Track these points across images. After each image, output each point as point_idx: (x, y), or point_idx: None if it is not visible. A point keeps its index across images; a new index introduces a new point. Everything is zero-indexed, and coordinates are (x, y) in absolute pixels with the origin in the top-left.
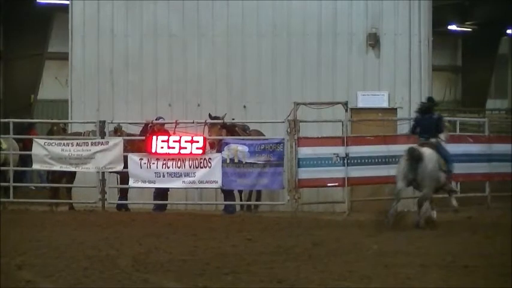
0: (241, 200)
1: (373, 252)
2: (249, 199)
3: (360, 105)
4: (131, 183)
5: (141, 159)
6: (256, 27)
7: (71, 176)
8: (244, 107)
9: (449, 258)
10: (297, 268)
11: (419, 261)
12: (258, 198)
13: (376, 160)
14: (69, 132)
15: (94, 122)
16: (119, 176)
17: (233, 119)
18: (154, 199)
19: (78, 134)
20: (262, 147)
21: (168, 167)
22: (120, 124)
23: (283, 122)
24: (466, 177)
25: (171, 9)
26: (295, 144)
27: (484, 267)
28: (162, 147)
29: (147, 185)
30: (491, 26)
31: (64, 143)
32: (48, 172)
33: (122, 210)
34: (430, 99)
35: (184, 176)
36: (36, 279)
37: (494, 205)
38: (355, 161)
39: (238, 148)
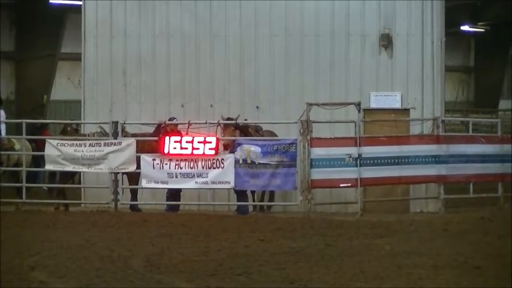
0: (253, 201)
1: (385, 253)
2: (261, 200)
3: (373, 105)
4: (144, 183)
5: (153, 159)
6: (269, 28)
7: (65, 176)
8: (257, 107)
9: (462, 258)
10: (310, 269)
11: (431, 262)
12: (271, 199)
13: (389, 161)
14: (81, 132)
15: (107, 123)
16: (126, 177)
17: (246, 120)
18: (167, 200)
19: (83, 135)
20: (275, 148)
21: (181, 168)
22: (124, 125)
23: (296, 123)
24: (478, 177)
25: (184, 9)
26: (308, 144)
27: (496, 268)
28: (174, 148)
29: (159, 185)
30: (503, 27)
31: (77, 144)
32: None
33: (135, 211)
34: None
35: (197, 176)
36: (49, 279)
37: (506, 205)
38: (368, 161)
39: (251, 149)
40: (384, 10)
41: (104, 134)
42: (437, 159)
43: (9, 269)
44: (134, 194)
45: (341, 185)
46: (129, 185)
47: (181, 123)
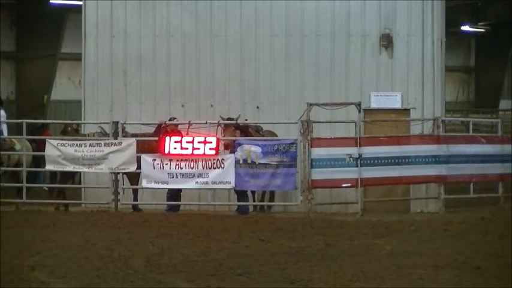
0: (254, 201)
1: (385, 253)
2: (262, 200)
3: (373, 105)
4: (144, 184)
5: (154, 159)
6: (270, 28)
7: (65, 176)
8: (258, 107)
9: (462, 259)
10: (310, 269)
11: (431, 262)
12: (271, 199)
13: (389, 161)
14: (81, 132)
15: (107, 123)
16: (127, 177)
17: (246, 120)
18: (167, 200)
19: (83, 135)
20: (275, 148)
21: (181, 168)
22: (124, 125)
23: (296, 123)
24: (479, 177)
25: (184, 9)
26: (308, 144)
27: (496, 268)
28: (175, 148)
29: (160, 185)
30: (504, 27)
31: (77, 144)
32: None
33: (136, 211)
34: None
35: (198, 176)
36: (49, 279)
37: (507, 205)
38: (368, 161)
39: (251, 149)
40: (384, 10)
41: (104, 134)
42: (437, 159)
43: (9, 269)
44: (136, 194)
45: (342, 185)
46: (131, 185)
47: (181, 123)
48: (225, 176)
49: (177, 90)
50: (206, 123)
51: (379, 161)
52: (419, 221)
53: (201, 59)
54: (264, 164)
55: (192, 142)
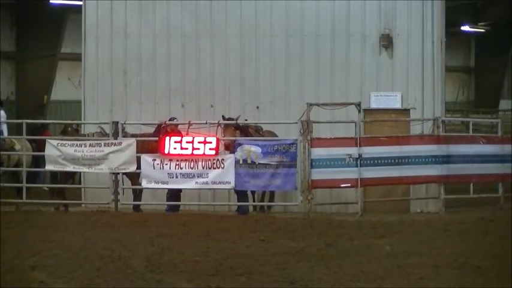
0: (254, 201)
1: (386, 253)
2: (262, 200)
3: (373, 106)
4: (144, 184)
5: (154, 160)
6: (270, 28)
7: (65, 176)
8: (257, 107)
9: (462, 258)
10: (310, 269)
11: (432, 262)
12: (271, 199)
13: (389, 161)
14: (81, 132)
15: (107, 123)
16: (128, 177)
17: (246, 120)
18: (167, 200)
19: (83, 135)
20: (275, 148)
21: (181, 168)
22: (124, 125)
23: (296, 123)
24: (479, 178)
25: (184, 9)
26: (308, 145)
27: (496, 268)
28: (175, 148)
29: (160, 185)
30: (504, 27)
31: (77, 144)
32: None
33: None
34: None
35: (197, 176)
36: (49, 279)
37: (507, 206)
38: (368, 161)
39: (251, 149)
40: (384, 10)
41: (103, 134)
42: (437, 160)
43: (9, 269)
44: (137, 194)
45: (341, 185)
46: (132, 185)
47: (181, 124)
48: (225, 176)
49: (177, 90)
50: (206, 123)
51: (379, 161)
52: (420, 221)
53: (201, 59)
54: (264, 164)
55: (192, 142)
